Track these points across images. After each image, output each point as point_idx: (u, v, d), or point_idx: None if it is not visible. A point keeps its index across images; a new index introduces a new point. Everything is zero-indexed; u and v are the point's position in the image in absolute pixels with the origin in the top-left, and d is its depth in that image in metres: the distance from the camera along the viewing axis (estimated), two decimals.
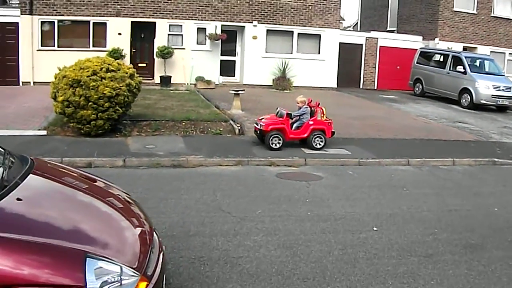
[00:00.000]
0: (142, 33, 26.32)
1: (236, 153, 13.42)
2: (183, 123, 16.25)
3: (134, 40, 26.20)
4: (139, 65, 26.45)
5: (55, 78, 14.99)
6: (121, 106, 14.63)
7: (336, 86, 28.68)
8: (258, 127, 14.46)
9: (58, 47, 24.93)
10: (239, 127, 16.20)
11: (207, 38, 26.31)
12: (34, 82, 24.60)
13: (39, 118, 16.58)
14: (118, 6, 25.26)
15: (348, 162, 13.61)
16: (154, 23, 25.78)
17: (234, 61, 27.97)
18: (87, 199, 5.56)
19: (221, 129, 15.99)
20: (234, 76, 27.91)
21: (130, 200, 6.09)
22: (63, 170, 6.49)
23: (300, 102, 14.83)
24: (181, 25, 26.11)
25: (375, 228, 8.67)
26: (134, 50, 26.40)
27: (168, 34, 26.04)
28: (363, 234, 8.37)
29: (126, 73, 15.05)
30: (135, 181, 10.97)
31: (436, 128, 19.20)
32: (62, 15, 25.03)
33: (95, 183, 6.25)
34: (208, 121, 16.71)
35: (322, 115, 14.79)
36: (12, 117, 17.07)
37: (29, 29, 24.82)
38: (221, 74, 27.10)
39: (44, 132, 15.07)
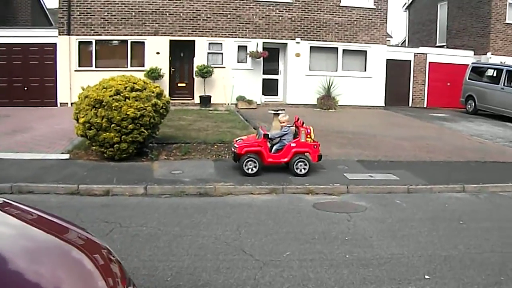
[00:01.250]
0: (181, 52, 25.16)
1: (271, 180, 11.85)
2: (216, 146, 14.80)
3: (173, 59, 25.08)
4: (179, 84, 25.43)
5: (78, 98, 13.79)
6: (147, 128, 13.28)
7: (383, 104, 26.83)
8: (233, 149, 12.82)
9: (95, 67, 24.11)
10: None
11: (248, 56, 24.94)
12: (71, 103, 23.47)
13: (66, 141, 15.46)
14: (156, 25, 24.19)
15: (395, 189, 11.81)
16: (193, 41, 24.59)
17: (277, 79, 26.47)
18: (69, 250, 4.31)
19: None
20: (277, 95, 26.40)
21: (111, 256, 4.67)
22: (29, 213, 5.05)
23: (283, 122, 13.01)
24: (221, 43, 24.83)
25: (427, 277, 6.90)
26: (173, 69, 25.26)
27: (208, 53, 24.81)
28: (412, 285, 6.66)
29: (153, 92, 13.70)
30: (152, 213, 9.55)
31: (492, 149, 17.23)
32: (100, 34, 24.19)
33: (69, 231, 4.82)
34: None
35: (308, 136, 12.85)
36: (39, 139, 16.06)
37: (66, 49, 24.12)
38: (263, 94, 25.66)
39: (67, 156, 13.87)
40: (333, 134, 17.87)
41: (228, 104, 24.52)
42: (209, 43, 24.80)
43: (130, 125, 12.92)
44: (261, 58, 24.99)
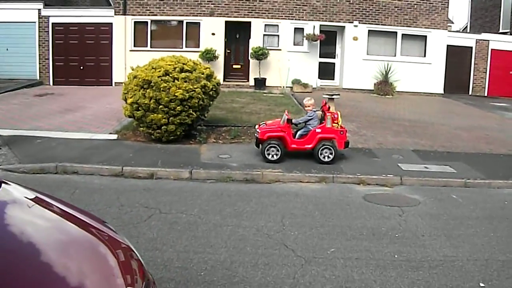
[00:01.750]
0: (237, 33, 24.64)
1: (321, 168, 11.28)
2: None
3: (229, 40, 24.59)
4: (234, 66, 24.95)
5: (128, 78, 13.50)
6: (195, 110, 12.87)
7: (442, 92, 25.66)
8: (256, 134, 12.22)
9: (150, 47, 23.85)
10: None
11: (304, 38, 24.17)
12: None
13: (115, 121, 15.23)
14: (212, 5, 23.72)
15: (452, 182, 11.00)
16: (249, 22, 24.00)
17: (334, 63, 25.61)
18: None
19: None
20: (333, 79, 25.59)
21: (132, 253, 4.33)
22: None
23: (307, 106, 12.27)
24: (277, 25, 24.16)
25: (482, 284, 6.19)
26: (228, 51, 24.78)
27: (264, 35, 24.17)
28: None
29: (203, 74, 13.27)
30: (195, 199, 9.13)
31: None
32: (155, 15, 23.89)
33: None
34: None
35: (335, 122, 12.14)
36: (89, 119, 15.92)
37: (122, 29, 23.94)
38: (319, 77, 24.91)
39: (114, 136, 13.66)
40: (389, 121, 17.11)
41: (283, 87, 23.93)
42: (265, 25, 24.17)
43: (178, 107, 12.55)
44: (318, 41, 24.19)
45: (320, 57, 24.92)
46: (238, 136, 13.66)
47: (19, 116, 16.08)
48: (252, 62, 24.11)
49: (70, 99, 20.15)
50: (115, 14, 23.92)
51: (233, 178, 10.59)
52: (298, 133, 12.10)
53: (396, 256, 6.90)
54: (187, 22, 24.06)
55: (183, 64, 13.17)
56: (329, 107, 12.42)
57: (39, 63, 24.61)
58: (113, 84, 24.06)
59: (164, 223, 7.80)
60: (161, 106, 12.54)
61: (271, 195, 9.55)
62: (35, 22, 24.27)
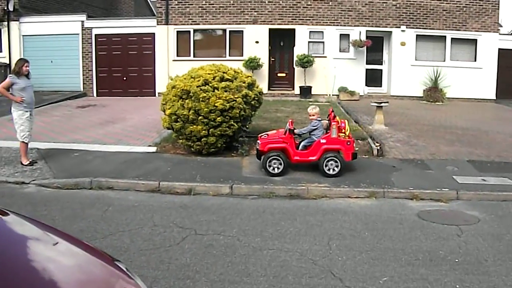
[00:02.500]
0: (281, 41, 23.91)
1: (371, 181, 10.34)
2: None
3: (273, 48, 23.88)
4: (278, 75, 24.25)
5: (166, 88, 12.88)
6: (237, 121, 12.13)
7: (495, 97, 24.30)
8: (257, 146, 11.37)
9: (193, 57, 23.36)
10: (378, 147, 13.04)
11: (350, 45, 23.27)
12: None
13: (155, 133, 14.64)
14: (255, 13, 23.05)
15: None
16: (293, 29, 23.22)
17: (381, 70, 24.59)
18: None
19: (357, 148, 12.91)
20: (380, 86, 24.56)
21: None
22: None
23: (312, 114, 11.36)
24: (322, 32, 23.30)
25: None
26: (273, 59, 24.08)
27: (308, 42, 23.35)
28: None
29: (244, 82, 12.54)
30: (234, 218, 8.38)
31: None
32: (198, 24, 23.40)
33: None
34: None
35: (342, 131, 11.24)
36: (129, 130, 15.41)
37: (165, 39, 23.55)
38: (366, 84, 23.94)
39: (153, 149, 13.05)
40: (440, 129, 16.05)
41: (329, 95, 23.07)
42: (310, 32, 23.34)
43: (219, 118, 11.84)
44: (364, 47, 23.28)
45: (366, 63, 23.97)
46: None
47: (59, 129, 15.67)
48: (297, 70, 23.32)
49: (112, 110, 19.74)
50: (157, 24, 23.52)
51: (276, 194, 9.79)
52: (302, 144, 11.24)
53: (457, 286, 5.96)
54: (230, 31, 23.48)
55: (223, 72, 12.47)
56: (334, 116, 11.53)
57: (83, 75, 24.41)
58: (156, 94, 23.60)
59: (199, 246, 7.06)
60: (200, 117, 11.87)
61: (317, 212, 8.71)
62: (78, 34, 24.11)
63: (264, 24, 23.15)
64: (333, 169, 10.79)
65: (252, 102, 12.61)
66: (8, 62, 23.95)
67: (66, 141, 13.88)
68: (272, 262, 6.50)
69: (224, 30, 23.55)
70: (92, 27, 24.06)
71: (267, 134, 11.52)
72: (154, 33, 23.74)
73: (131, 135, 14.67)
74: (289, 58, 23.99)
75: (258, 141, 11.27)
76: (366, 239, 7.43)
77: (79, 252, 3.75)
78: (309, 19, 23.09)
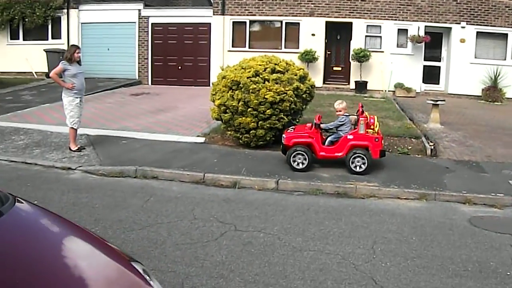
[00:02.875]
0: (337, 34, 23.34)
1: (422, 182, 9.78)
2: None
3: (329, 41, 23.32)
4: (334, 68, 23.69)
5: (217, 78, 12.63)
6: (287, 114, 11.78)
7: None
8: (282, 140, 10.93)
9: (248, 48, 22.96)
10: (432, 146, 12.45)
11: (408, 40, 22.49)
12: None
13: (205, 123, 14.40)
14: (312, 5, 22.53)
15: None
16: (351, 23, 22.61)
17: (439, 67, 23.70)
18: None
19: (410, 147, 12.42)
20: (438, 84, 23.63)
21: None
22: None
23: (339, 110, 10.83)
24: (380, 26, 22.59)
25: None
26: (328, 52, 23.53)
27: (365, 36, 22.66)
28: None
29: (296, 75, 12.15)
30: (277, 214, 8.06)
31: None
32: (254, 15, 23.04)
33: None
34: (395, 136, 13.25)
35: (371, 127, 10.75)
36: (179, 119, 15.24)
37: (220, 29, 23.28)
38: (423, 82, 23.12)
39: (202, 140, 12.82)
40: (498, 130, 15.29)
41: (385, 91, 22.41)
42: (367, 26, 22.66)
43: (268, 110, 11.52)
44: (423, 43, 22.44)
45: (424, 60, 23.10)
46: None
47: (110, 116, 15.63)
48: (353, 64, 22.73)
49: (165, 99, 19.64)
50: (213, 14, 23.28)
51: (323, 191, 9.40)
52: (328, 139, 10.79)
53: None
54: (286, 23, 23.03)
55: (275, 64, 12.13)
56: (362, 111, 10.99)
57: (138, 63, 24.42)
58: (211, 84, 23.15)
59: (237, 243, 6.76)
60: (250, 109, 11.57)
61: (364, 213, 8.28)
62: (135, 22, 24.11)
63: (320, 16, 22.61)
64: (360, 166, 10.35)
65: (304, 96, 12.22)
66: (66, 49, 24.11)
67: (116, 128, 13.81)
68: (312, 265, 6.15)
69: (281, 22, 23.14)
70: (148, 16, 24.02)
71: (293, 128, 11.11)
72: (210, 23, 23.49)
73: (181, 125, 14.50)
74: (345, 52, 23.42)
75: (284, 135, 10.88)
76: (412, 244, 6.98)
77: (94, 252, 3.48)
78: (367, 13, 22.43)
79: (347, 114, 10.94)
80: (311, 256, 6.42)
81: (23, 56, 24.55)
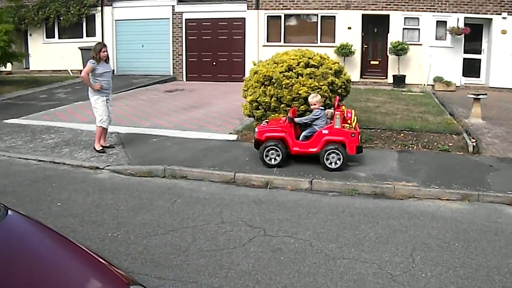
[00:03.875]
0: (374, 27, 22.63)
1: (464, 182, 9.11)
2: (402, 134, 12.33)
3: (366, 35, 22.65)
4: (371, 62, 23.02)
5: (249, 73, 12.17)
6: None
7: None
8: (254, 134, 10.41)
9: (284, 42, 22.41)
10: (474, 143, 11.73)
11: (447, 32, 21.63)
12: None
13: (238, 120, 13.94)
14: None
15: None
16: (388, 16, 21.87)
17: (479, 59, 22.72)
18: None
19: (450, 144, 11.74)
20: (478, 77, 22.65)
21: None
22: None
23: (313, 103, 10.20)
24: (418, 18, 21.75)
25: None
26: (365, 46, 22.85)
27: (403, 28, 21.88)
28: None
29: (330, 69, 11.58)
30: (310, 217, 7.53)
31: None
32: (289, 9, 22.53)
33: None
34: (435, 132, 12.57)
35: (349, 121, 10.17)
36: (212, 116, 14.85)
37: (255, 24, 22.88)
38: (463, 75, 22.24)
39: (234, 137, 12.37)
40: None
41: (424, 85, 21.63)
42: (405, 18, 21.86)
43: (302, 106, 11.00)
44: (462, 35, 21.56)
45: (464, 52, 22.17)
46: (370, 140, 11.87)
47: (142, 113, 15.31)
48: (391, 58, 22.00)
49: (199, 95, 19.27)
50: (248, 9, 22.84)
51: (359, 191, 8.82)
52: (303, 134, 10.19)
53: None
54: (321, 16, 22.42)
55: (309, 58, 11.58)
56: (339, 105, 10.34)
57: (173, 59, 24.17)
58: None
59: (266, 250, 6.26)
60: (283, 105, 11.08)
61: (402, 215, 7.69)
62: (169, 18, 23.88)
63: (357, 9, 21.94)
64: (335, 163, 9.78)
65: (339, 91, 11.64)
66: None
67: (147, 126, 13.48)
68: (345, 275, 5.61)
69: (316, 15, 22.54)
70: (182, 12, 23.72)
71: (266, 122, 10.60)
72: (244, 18, 23.07)
73: (213, 122, 14.08)
74: (382, 45, 22.69)
75: (256, 128, 10.38)
76: (455, 251, 6.35)
77: (87, 277, 3.04)
78: (404, 5, 21.64)
79: (323, 108, 10.35)
80: (344, 265, 5.88)
81: (58, 54, 24.56)
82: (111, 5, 24.50)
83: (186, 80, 23.99)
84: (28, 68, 26.34)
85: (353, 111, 10.62)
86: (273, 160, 9.94)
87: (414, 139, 11.92)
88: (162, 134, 12.59)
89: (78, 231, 6.88)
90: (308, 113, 10.65)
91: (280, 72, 11.11)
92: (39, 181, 9.31)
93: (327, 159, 9.81)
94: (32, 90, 20.21)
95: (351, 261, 5.98)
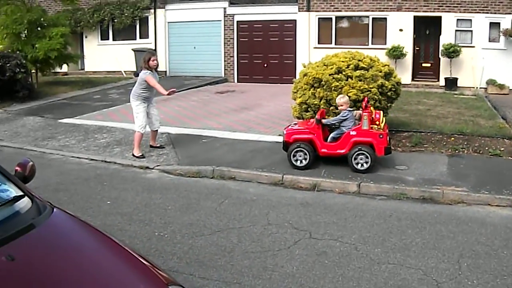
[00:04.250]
0: (426, 29, 22.25)
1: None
2: (453, 138, 12.07)
3: (418, 37, 22.26)
4: (423, 65, 22.60)
5: (299, 75, 12.18)
6: None
7: None
8: (282, 136, 10.40)
9: (335, 44, 22.24)
10: None
11: (501, 34, 21.06)
12: None
13: (287, 122, 13.86)
14: (399, 0, 21.59)
15: None
16: (440, 17, 21.45)
17: None
18: None
19: (502, 148, 11.44)
20: None
21: None
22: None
23: (340, 104, 10.05)
24: (470, 20, 21.23)
25: None
26: (417, 48, 22.48)
27: (455, 30, 21.41)
28: None
29: (380, 71, 11.47)
30: (357, 220, 7.48)
31: None
32: (340, 10, 22.33)
33: None
34: (486, 136, 12.25)
35: (376, 123, 9.97)
36: (262, 118, 14.93)
37: (306, 26, 22.76)
38: None
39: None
40: None
41: (476, 88, 21.13)
42: (457, 20, 21.36)
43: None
44: None
45: None
46: (420, 143, 11.66)
47: (193, 114, 15.46)
48: (443, 60, 21.57)
49: (250, 96, 19.33)
50: (299, 11, 22.75)
51: (407, 196, 8.68)
52: (331, 135, 10.08)
53: None
54: (373, 18, 22.16)
55: (359, 60, 11.50)
56: (366, 106, 10.09)
57: (224, 61, 24.29)
58: None
59: (311, 253, 6.24)
60: (332, 108, 11.02)
61: (450, 221, 7.54)
62: (220, 20, 24.01)
63: (408, 11, 21.59)
64: (363, 164, 9.67)
65: (389, 93, 11.52)
66: (154, 48, 24.38)
67: (197, 127, 13.61)
68: (390, 280, 5.54)
69: (367, 17, 22.32)
70: (234, 14, 23.85)
71: (295, 124, 10.59)
72: (295, 20, 22.98)
73: (263, 123, 14.11)
74: (434, 48, 22.26)
75: (284, 131, 10.37)
76: (503, 259, 6.18)
77: (127, 278, 3.08)
78: (457, 6, 21.18)
79: (350, 109, 10.21)
80: (389, 270, 5.81)
81: (112, 56, 24.99)
82: (164, 8, 24.83)
83: (237, 82, 24.09)
84: (83, 69, 26.89)
85: (381, 112, 10.49)
86: (303, 161, 9.95)
87: (465, 143, 11.66)
88: (212, 135, 12.70)
89: (125, 229, 7.01)
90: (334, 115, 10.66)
91: (329, 74, 11.06)
92: (90, 179, 9.53)
93: (355, 160, 9.75)
94: (87, 90, 20.68)
95: (396, 266, 5.91)
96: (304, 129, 10.24)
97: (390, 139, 10.35)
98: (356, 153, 9.73)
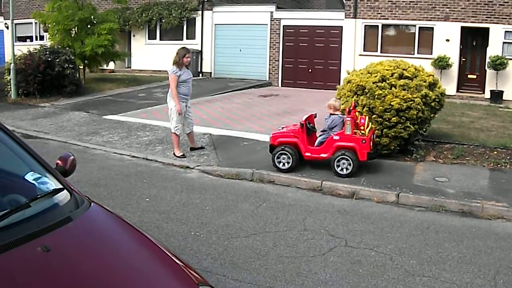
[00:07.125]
0: (473, 40, 21.87)
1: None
2: (496, 152, 11.81)
3: (464, 47, 21.88)
4: (469, 76, 22.18)
5: (343, 82, 12.11)
6: (413, 123, 10.95)
7: None
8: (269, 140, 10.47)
9: (380, 52, 22.03)
10: None
11: None
12: None
13: None
14: (447, 9, 21.21)
15: None
16: (487, 29, 21.03)
17: None
18: None
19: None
20: None
21: None
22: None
23: (330, 108, 10.14)
24: None
25: None
26: (463, 59, 22.10)
27: (503, 42, 20.98)
28: None
29: (424, 81, 11.30)
30: (394, 231, 7.39)
31: None
32: (387, 18, 22.08)
33: None
34: None
35: (361, 128, 9.88)
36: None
37: (352, 33, 22.56)
38: None
39: None
40: None
41: None
42: (505, 31, 20.85)
43: (394, 118, 10.76)
44: None
45: None
46: (462, 156, 11.45)
47: (236, 116, 15.50)
48: (489, 72, 21.14)
49: (293, 101, 19.30)
50: (345, 17, 22.60)
51: (446, 208, 8.53)
52: (318, 139, 10.15)
53: None
54: (419, 27, 21.84)
55: (403, 69, 11.34)
56: (349, 111, 10.02)
57: (269, 64, 24.31)
58: None
59: (345, 261, 6.20)
60: (374, 116, 10.89)
61: (488, 236, 7.38)
62: (267, 24, 24.04)
63: (456, 21, 21.23)
64: (345, 169, 9.67)
65: (432, 104, 11.34)
66: (200, 49, 24.57)
67: (239, 129, 13.66)
68: None
69: (414, 26, 22.02)
70: (280, 18, 23.84)
71: (283, 127, 10.65)
72: (341, 26, 22.82)
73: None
74: (481, 59, 21.83)
75: (270, 134, 10.42)
76: None
77: (160, 275, 3.11)
78: (505, 18, 20.71)
79: (339, 114, 10.36)
80: (423, 282, 5.71)
81: (159, 55, 25.21)
82: (212, 10, 25.04)
83: (281, 86, 24.07)
84: (130, 67, 27.27)
85: (367, 117, 10.41)
86: (286, 164, 9.98)
87: (508, 157, 11.37)
88: (253, 138, 12.72)
89: (162, 227, 7.07)
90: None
91: (373, 82, 10.94)
92: (131, 176, 9.65)
93: (337, 165, 9.76)
94: (132, 88, 20.98)
95: (431, 279, 5.81)
96: (288, 132, 10.32)
97: (375, 144, 10.41)
98: (338, 158, 9.77)
